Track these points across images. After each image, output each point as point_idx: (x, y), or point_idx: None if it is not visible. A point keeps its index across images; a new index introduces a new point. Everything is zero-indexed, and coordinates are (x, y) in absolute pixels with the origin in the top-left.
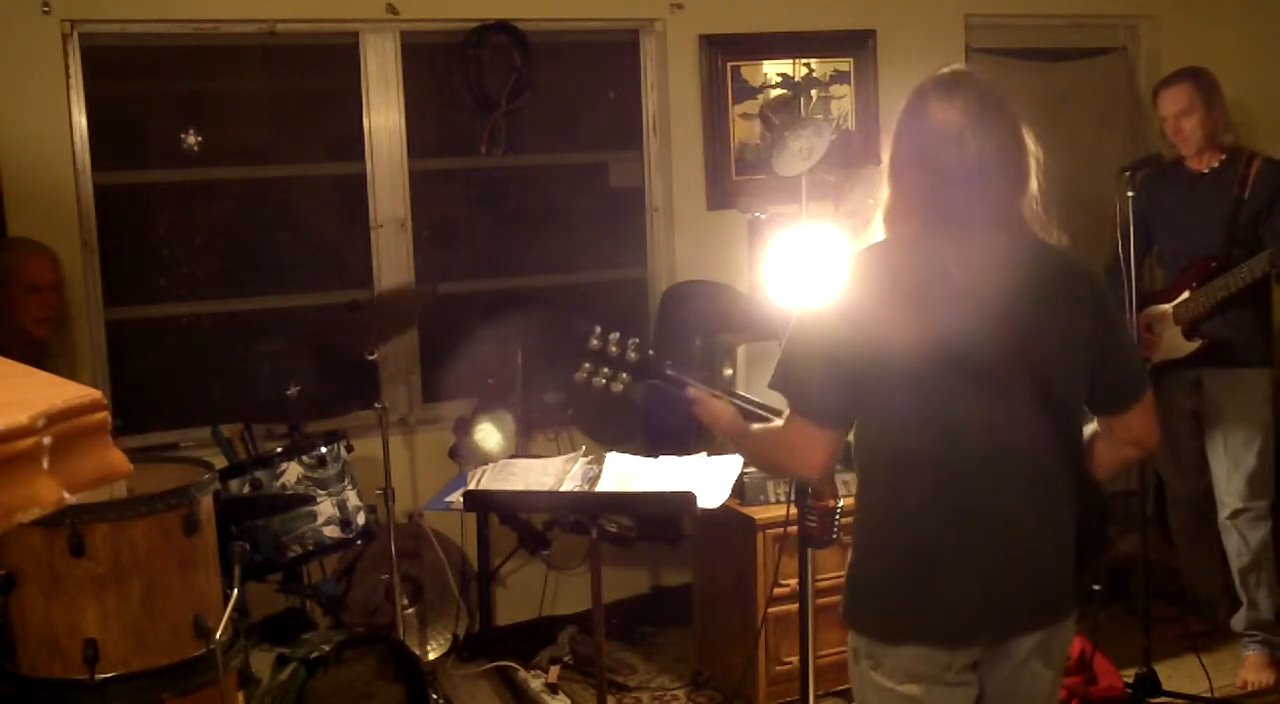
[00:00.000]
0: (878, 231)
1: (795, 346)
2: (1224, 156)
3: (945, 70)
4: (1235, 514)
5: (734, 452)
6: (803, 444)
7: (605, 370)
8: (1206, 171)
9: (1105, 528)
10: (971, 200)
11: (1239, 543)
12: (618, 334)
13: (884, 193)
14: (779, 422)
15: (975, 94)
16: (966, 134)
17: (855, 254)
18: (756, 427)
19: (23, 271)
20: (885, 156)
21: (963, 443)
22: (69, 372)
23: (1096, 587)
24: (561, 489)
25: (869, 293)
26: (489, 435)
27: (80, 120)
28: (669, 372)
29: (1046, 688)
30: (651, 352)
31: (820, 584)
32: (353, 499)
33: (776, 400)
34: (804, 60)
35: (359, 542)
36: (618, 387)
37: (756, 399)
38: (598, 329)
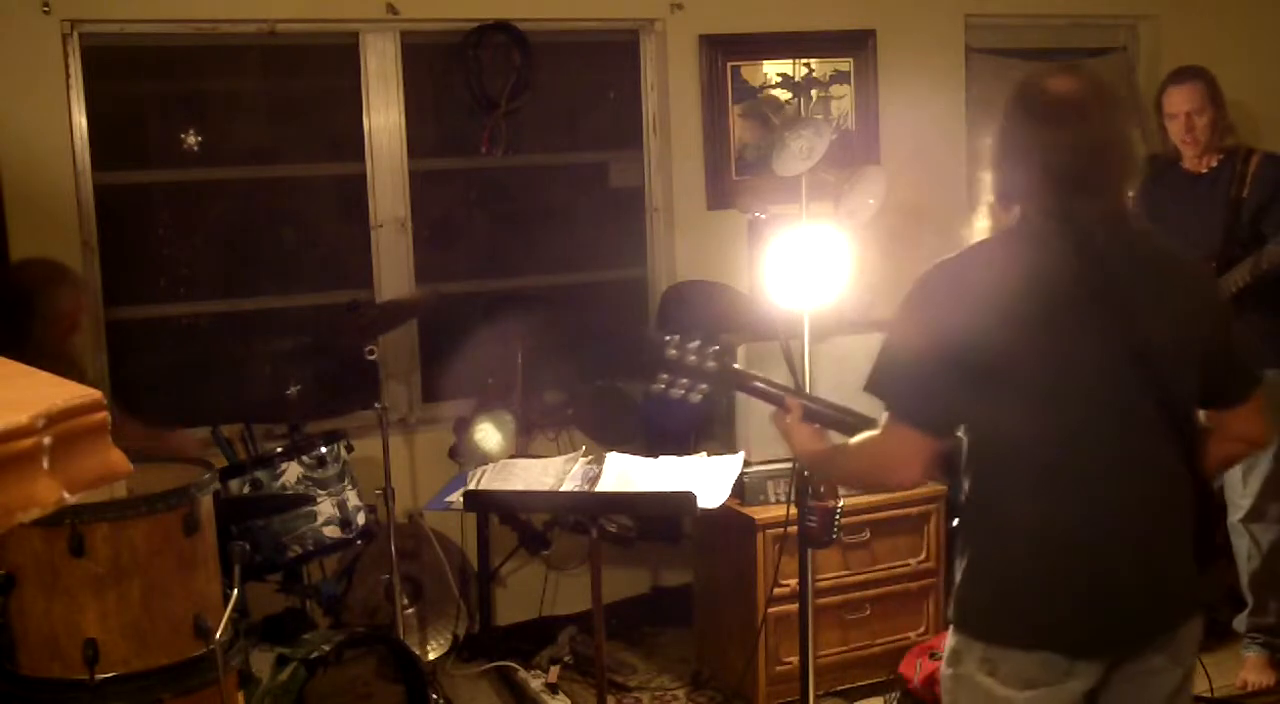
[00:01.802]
0: (983, 224)
1: (896, 348)
2: (1221, 156)
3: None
4: (1249, 517)
5: (814, 474)
6: (903, 453)
7: (683, 381)
8: (1205, 172)
9: (1212, 531)
10: (1086, 185)
11: (1250, 546)
12: (697, 342)
13: (991, 180)
14: (865, 435)
15: (1093, 77)
16: (1089, 107)
17: (962, 251)
18: (850, 443)
19: (59, 305)
20: (993, 142)
21: (1083, 444)
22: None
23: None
24: (561, 489)
25: (977, 292)
26: (489, 435)
27: (80, 120)
28: (756, 383)
29: (1174, 684)
30: (734, 362)
31: (820, 584)
32: (353, 499)
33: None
34: (804, 60)
35: (359, 542)
36: (696, 398)
37: (840, 405)
38: (676, 337)
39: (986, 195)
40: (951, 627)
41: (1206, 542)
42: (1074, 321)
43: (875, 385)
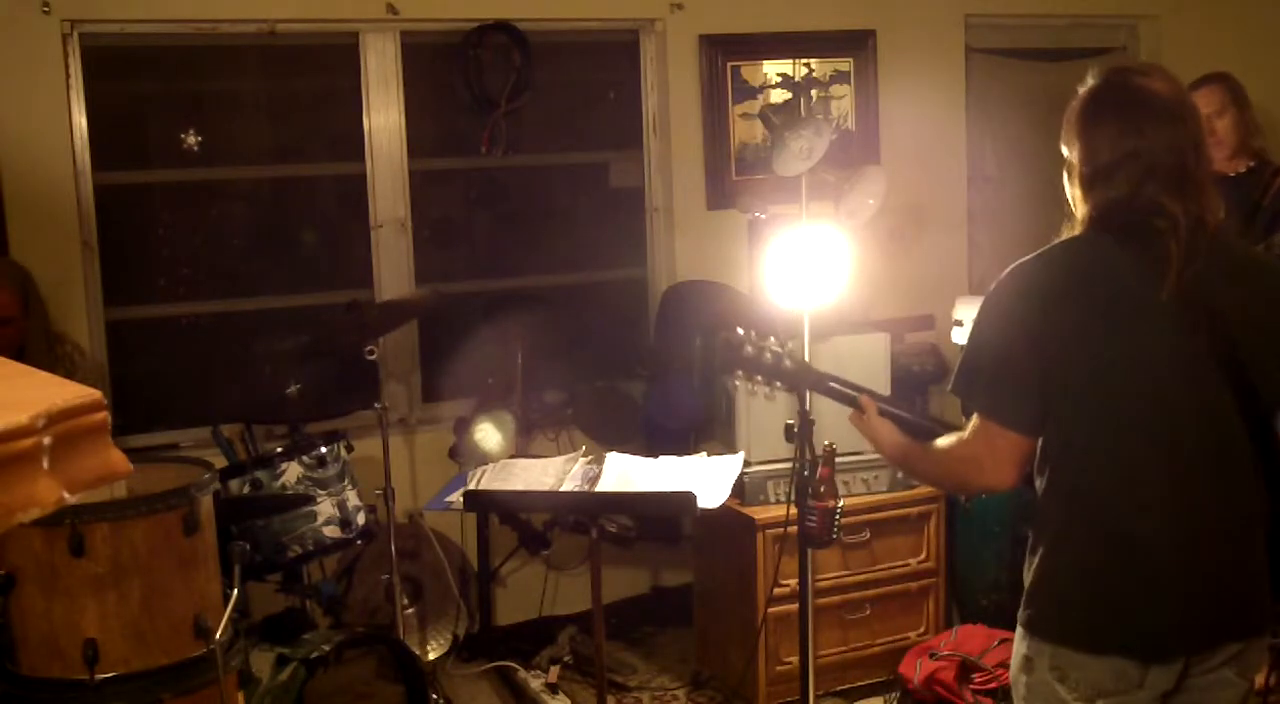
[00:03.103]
0: (1071, 224)
1: (979, 348)
2: (1252, 163)
3: (1114, 64)
4: None
5: (899, 471)
6: (997, 454)
7: (759, 378)
8: (1233, 175)
9: None
10: (1182, 184)
11: None
12: (772, 339)
13: (1075, 172)
14: (953, 437)
15: (1174, 78)
16: (1183, 109)
17: (1043, 250)
18: (934, 444)
19: None
20: (1079, 168)
21: (1162, 444)
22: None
23: None
24: (561, 489)
25: (1058, 291)
26: (489, 435)
27: (80, 120)
28: (832, 384)
29: (1238, 698)
30: (809, 360)
31: (820, 584)
32: (353, 499)
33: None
34: (804, 60)
35: (359, 542)
36: (766, 391)
37: (914, 410)
38: (753, 334)
39: (1076, 191)
40: (1020, 630)
41: None
42: (1157, 322)
43: (961, 387)
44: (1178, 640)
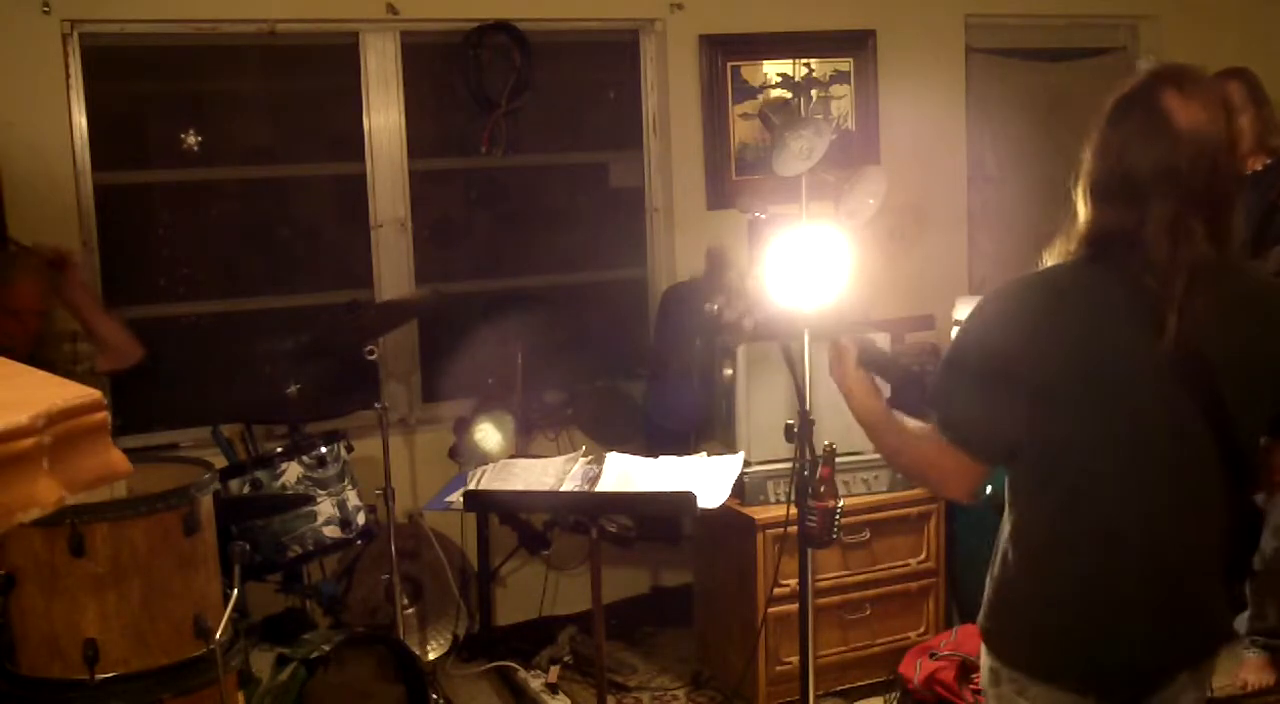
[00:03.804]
0: (1066, 234)
1: (959, 365)
2: (1269, 161)
3: (1169, 64)
4: None
5: (870, 439)
6: (959, 474)
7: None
8: (1249, 174)
9: (1250, 550)
10: (1173, 230)
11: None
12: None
13: (1085, 209)
14: (926, 441)
15: (1215, 91)
16: (1220, 145)
17: (1044, 270)
18: (908, 434)
19: (9, 294)
20: (1088, 165)
21: (1143, 480)
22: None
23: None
24: (561, 489)
25: (1058, 311)
26: (489, 435)
27: (80, 120)
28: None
29: (1197, 701)
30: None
31: (820, 584)
32: (353, 499)
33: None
34: (804, 60)
35: (359, 542)
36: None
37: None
38: (719, 302)
39: (1080, 221)
40: (984, 645)
41: (1246, 564)
42: (1150, 355)
43: (934, 401)
44: (1134, 682)
